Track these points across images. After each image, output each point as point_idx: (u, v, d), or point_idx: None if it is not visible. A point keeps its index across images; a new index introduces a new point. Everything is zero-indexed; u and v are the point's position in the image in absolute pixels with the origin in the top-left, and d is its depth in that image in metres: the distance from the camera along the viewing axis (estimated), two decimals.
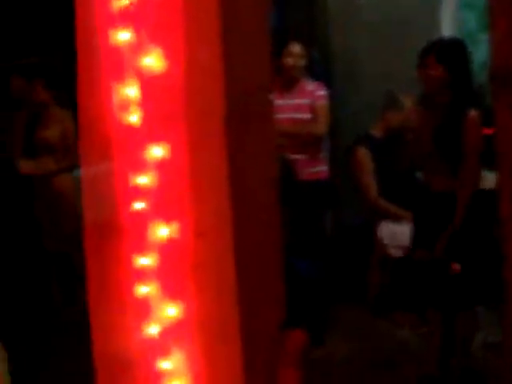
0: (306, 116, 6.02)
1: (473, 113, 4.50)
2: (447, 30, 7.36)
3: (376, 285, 6.16)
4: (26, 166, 6.24)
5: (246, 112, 2.37)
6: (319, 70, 7.33)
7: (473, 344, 4.77)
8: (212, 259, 2.36)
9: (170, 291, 2.42)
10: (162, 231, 2.41)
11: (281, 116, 5.94)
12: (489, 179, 4.61)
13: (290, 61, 5.94)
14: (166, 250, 2.41)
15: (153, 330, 2.48)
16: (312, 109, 6.02)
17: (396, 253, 5.85)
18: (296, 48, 5.95)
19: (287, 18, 9.62)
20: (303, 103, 6.03)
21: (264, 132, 2.45)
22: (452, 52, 4.61)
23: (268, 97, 2.43)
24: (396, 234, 5.88)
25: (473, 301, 4.62)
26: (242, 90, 2.34)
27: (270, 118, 2.46)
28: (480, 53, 7.44)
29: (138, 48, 2.33)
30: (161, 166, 2.37)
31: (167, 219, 2.39)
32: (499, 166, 3.00)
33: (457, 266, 4.45)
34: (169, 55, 2.28)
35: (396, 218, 5.96)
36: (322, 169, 6.13)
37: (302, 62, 5.99)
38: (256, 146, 2.43)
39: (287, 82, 6.02)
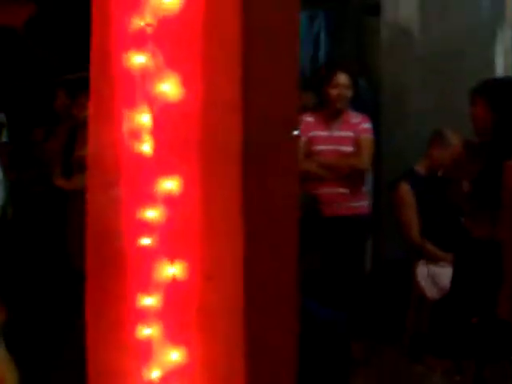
0: (349, 149, 5.86)
1: None
2: (501, 67, 7.16)
3: (412, 326, 5.95)
4: (62, 183, 6.16)
5: (266, 147, 2.21)
6: (367, 100, 7.21)
7: None
8: (220, 304, 2.19)
9: (174, 335, 2.26)
10: (169, 270, 2.25)
11: (324, 148, 5.83)
12: None
13: (335, 91, 5.79)
14: (172, 290, 2.25)
15: (154, 374, 2.31)
16: (356, 142, 5.86)
17: (433, 295, 5.63)
18: (342, 78, 5.80)
19: (336, 48, 9.54)
20: (347, 136, 5.88)
21: (285, 169, 2.28)
22: (500, 93, 4.37)
23: (292, 132, 2.26)
24: (434, 275, 5.67)
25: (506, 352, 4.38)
26: (262, 124, 2.18)
27: (292, 155, 2.29)
28: None
29: (153, 73, 2.19)
30: (171, 200, 2.21)
31: (174, 258, 2.23)
32: None
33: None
34: (186, 82, 2.14)
35: (436, 259, 5.75)
36: (362, 204, 5.97)
37: (348, 93, 5.83)
38: (275, 183, 2.26)
39: (332, 113, 5.87)
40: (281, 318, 2.31)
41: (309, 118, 5.95)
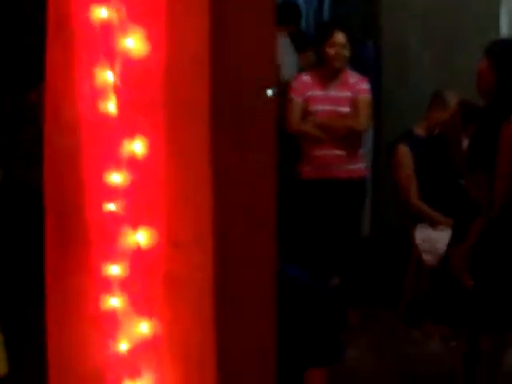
0: (347, 109, 5.71)
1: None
2: (505, 25, 6.99)
3: (409, 292, 5.84)
4: None
5: (238, 107, 2.07)
6: (369, 59, 7.08)
7: (502, 367, 4.41)
8: (188, 273, 2.06)
9: (141, 305, 2.13)
10: (134, 238, 2.12)
11: (320, 108, 5.70)
12: None
13: (333, 50, 5.63)
14: (138, 259, 2.12)
15: (121, 347, 2.19)
16: (353, 102, 5.70)
17: (431, 260, 5.50)
18: (340, 37, 5.63)
19: (340, 4, 9.38)
20: (345, 96, 5.73)
21: (261, 131, 2.13)
22: (507, 55, 4.22)
23: (268, 93, 2.11)
24: (432, 240, 5.54)
25: (500, 324, 4.25)
26: (233, 82, 2.03)
27: (268, 115, 2.14)
28: None
29: (116, 28, 2.04)
30: (136, 163, 2.07)
31: (140, 224, 2.10)
32: None
33: (469, 281, 4.09)
34: (150, 37, 1.98)
35: (434, 223, 5.61)
36: (360, 166, 5.83)
37: (346, 52, 5.67)
38: (249, 146, 2.12)
39: (329, 73, 5.72)
40: (256, 287, 2.18)
41: (305, 78, 5.81)
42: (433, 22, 6.85)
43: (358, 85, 5.71)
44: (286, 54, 6.68)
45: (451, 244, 4.46)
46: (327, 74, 5.73)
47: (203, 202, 2.03)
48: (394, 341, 5.55)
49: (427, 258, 5.56)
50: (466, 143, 4.39)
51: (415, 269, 5.79)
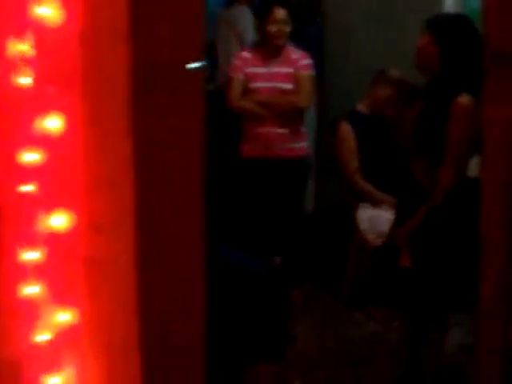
0: (289, 86, 5.59)
1: (463, 98, 3.91)
2: (450, 5, 6.93)
3: (352, 272, 5.76)
4: None
5: (161, 81, 1.94)
6: (312, 36, 7.00)
7: (445, 347, 4.37)
8: (110, 259, 1.93)
9: (61, 293, 2.00)
10: (52, 221, 1.98)
11: (262, 85, 5.59)
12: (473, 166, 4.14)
13: (273, 28, 5.51)
14: (56, 244, 1.98)
15: (41, 337, 2.06)
16: (295, 79, 5.58)
17: (374, 240, 5.41)
18: (280, 13, 5.51)
19: None
20: (286, 72, 5.61)
21: (186, 110, 2.01)
22: (449, 29, 4.06)
23: (194, 67, 1.99)
24: (375, 219, 5.45)
25: (441, 306, 4.19)
26: (155, 57, 1.90)
27: (194, 93, 2.02)
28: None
29: None
30: (52, 142, 1.93)
31: (58, 207, 1.96)
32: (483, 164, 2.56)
33: (407, 260, 4.04)
34: (66, 5, 1.84)
35: (376, 202, 5.53)
36: (303, 144, 5.72)
37: (287, 29, 5.55)
38: (174, 126, 1.99)
39: (270, 50, 5.59)
40: (184, 272, 2.06)
41: (246, 55, 5.69)
42: (377, 1, 6.77)
43: (299, 61, 5.60)
44: (247, 23, 6.63)
45: (395, 225, 4.38)
46: (268, 51, 5.61)
47: (125, 183, 1.90)
48: (337, 320, 5.50)
49: (370, 237, 5.47)
50: (409, 122, 4.29)
51: (358, 248, 5.71)
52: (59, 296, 1.99)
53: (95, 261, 1.93)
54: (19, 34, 1.91)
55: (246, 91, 5.57)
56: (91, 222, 1.92)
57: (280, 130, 5.58)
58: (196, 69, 1.91)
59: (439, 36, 4.04)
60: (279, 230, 5.75)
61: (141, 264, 1.89)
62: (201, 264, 2.04)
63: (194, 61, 1.93)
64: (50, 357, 2.03)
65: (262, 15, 5.60)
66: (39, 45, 1.91)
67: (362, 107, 5.78)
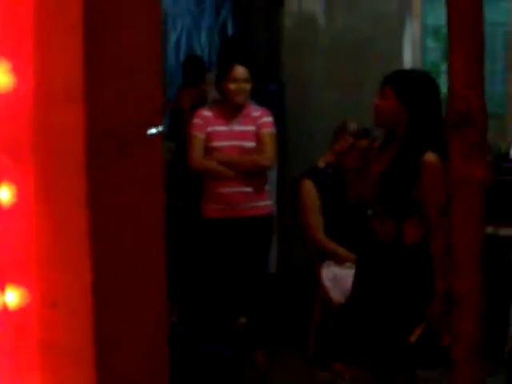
0: (252, 144, 5.54)
1: (430, 156, 3.90)
2: (408, 58, 6.97)
3: (317, 331, 5.67)
4: None
5: (119, 149, 1.86)
6: (272, 93, 7.01)
7: None
8: (67, 338, 1.83)
9: (11, 378, 1.88)
10: (2, 298, 1.87)
11: (224, 144, 5.53)
12: None
13: (233, 85, 5.47)
14: (5, 322, 1.87)
15: None
16: (257, 137, 5.53)
17: (338, 298, 5.34)
18: (240, 71, 5.49)
19: (245, 37, 9.29)
20: (248, 130, 5.57)
21: (145, 175, 1.93)
22: (412, 87, 4.05)
23: (153, 132, 1.91)
24: (339, 277, 5.38)
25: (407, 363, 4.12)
26: (112, 121, 1.82)
27: (154, 158, 1.94)
28: (443, 85, 7.04)
29: None
30: (2, 213, 1.83)
31: (8, 282, 1.86)
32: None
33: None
34: (18, 69, 1.76)
35: (340, 260, 5.46)
36: (266, 203, 5.64)
37: (247, 86, 5.52)
38: (133, 192, 1.91)
39: (231, 108, 5.54)
40: (145, 354, 1.95)
41: (207, 113, 5.64)
42: (337, 57, 6.79)
43: (261, 118, 5.56)
44: None
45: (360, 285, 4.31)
46: (229, 108, 5.56)
47: (81, 256, 1.81)
48: (302, 381, 5.38)
49: (334, 296, 5.40)
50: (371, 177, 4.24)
51: (322, 306, 5.62)
52: (10, 380, 1.87)
53: (50, 340, 1.82)
54: None
55: (207, 150, 5.52)
56: (45, 297, 1.82)
57: (243, 189, 5.52)
58: (155, 134, 1.84)
59: (401, 92, 4.01)
60: (243, 290, 5.66)
61: (99, 345, 1.79)
62: (164, 342, 1.95)
63: (153, 124, 1.85)
64: None
65: (221, 73, 5.57)
66: None
67: (323, 163, 5.75)
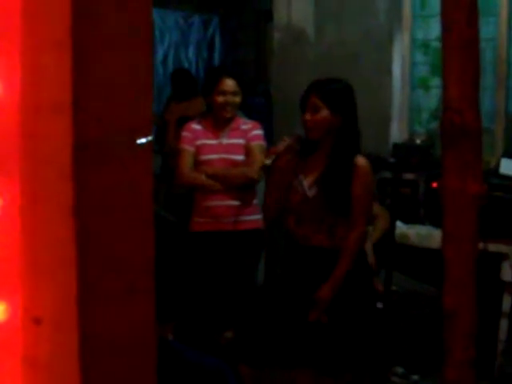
0: (241, 157, 5.50)
1: (361, 160, 4.19)
2: (397, 72, 6.96)
3: None
4: None
5: (107, 161, 1.81)
6: (262, 106, 7.01)
7: None
8: (50, 354, 1.77)
9: None
10: None
11: (213, 157, 5.49)
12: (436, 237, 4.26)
13: (222, 98, 5.44)
14: None
15: None
16: (246, 150, 5.50)
17: None
18: (229, 85, 5.45)
19: (233, 52, 9.31)
20: (237, 143, 5.53)
21: (134, 188, 1.88)
22: (340, 93, 4.25)
23: (141, 142, 1.87)
24: None
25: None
26: (100, 132, 1.78)
27: (142, 170, 1.90)
28: (432, 99, 7.05)
29: None
30: None
31: None
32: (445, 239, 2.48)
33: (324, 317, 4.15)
34: (4, 78, 1.71)
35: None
36: (255, 217, 5.59)
37: (236, 100, 5.48)
38: (121, 205, 1.86)
39: (220, 121, 5.51)
40: (133, 370, 1.90)
41: (196, 126, 5.60)
42: (325, 70, 6.76)
43: (250, 131, 5.53)
44: None
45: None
46: (218, 122, 5.53)
47: (67, 271, 1.75)
48: None
49: None
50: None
51: None
52: None
53: (35, 357, 1.76)
54: None
55: (196, 163, 5.48)
56: (29, 312, 1.76)
57: (230, 203, 5.47)
58: (145, 143, 1.79)
59: (331, 102, 4.18)
60: (230, 304, 5.62)
61: (85, 361, 1.73)
62: (152, 356, 1.90)
63: (143, 134, 1.81)
64: None
65: (210, 85, 5.54)
66: None
67: None
